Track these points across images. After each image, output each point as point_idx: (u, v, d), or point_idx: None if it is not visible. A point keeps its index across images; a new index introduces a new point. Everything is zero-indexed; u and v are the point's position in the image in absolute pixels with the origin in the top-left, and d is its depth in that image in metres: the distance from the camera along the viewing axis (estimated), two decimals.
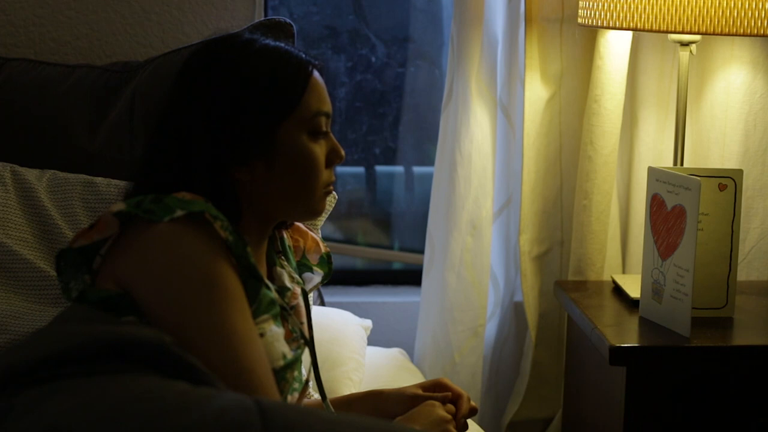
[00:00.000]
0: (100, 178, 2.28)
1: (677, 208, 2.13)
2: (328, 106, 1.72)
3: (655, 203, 2.20)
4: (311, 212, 1.74)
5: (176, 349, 1.49)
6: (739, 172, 2.24)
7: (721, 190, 2.15)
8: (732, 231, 2.23)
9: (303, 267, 1.88)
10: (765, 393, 2.18)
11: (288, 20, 2.38)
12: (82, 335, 1.50)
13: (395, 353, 2.75)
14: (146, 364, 1.47)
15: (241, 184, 1.67)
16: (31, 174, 2.28)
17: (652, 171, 2.22)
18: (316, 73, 1.71)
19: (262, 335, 1.64)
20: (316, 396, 1.95)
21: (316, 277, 1.90)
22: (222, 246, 1.60)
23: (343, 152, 1.73)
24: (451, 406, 1.80)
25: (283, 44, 1.71)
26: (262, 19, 2.65)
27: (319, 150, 1.70)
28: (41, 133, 2.41)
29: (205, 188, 1.64)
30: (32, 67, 2.49)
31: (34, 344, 1.54)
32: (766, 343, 2.20)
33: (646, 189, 2.24)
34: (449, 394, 1.83)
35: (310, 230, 1.90)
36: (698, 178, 2.10)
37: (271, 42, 1.70)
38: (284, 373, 1.68)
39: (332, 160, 1.72)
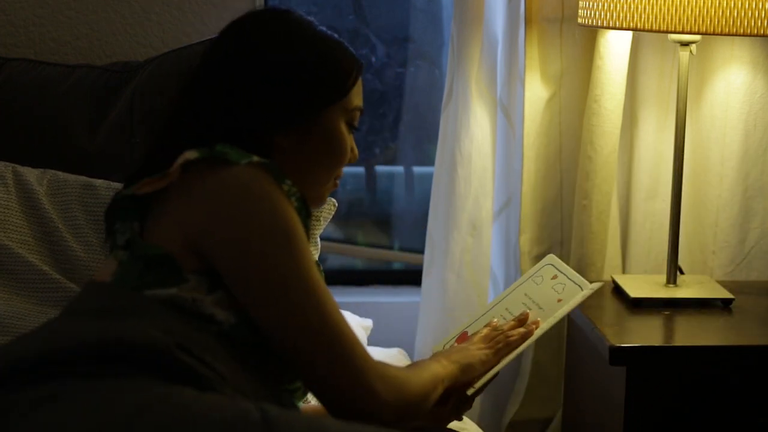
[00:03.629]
0: (100, 181, 2.28)
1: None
2: (363, 105, 1.80)
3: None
4: (317, 199, 1.77)
5: (182, 354, 1.47)
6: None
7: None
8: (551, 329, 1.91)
9: None
10: (765, 393, 2.18)
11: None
12: (87, 333, 1.48)
13: (395, 353, 2.75)
14: (152, 368, 1.46)
15: (277, 149, 1.69)
16: (32, 175, 2.28)
17: (551, 259, 2.04)
18: None
19: None
20: (314, 402, 1.95)
21: None
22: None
23: (357, 152, 1.79)
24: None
25: (336, 36, 1.77)
26: None
27: (348, 140, 1.76)
28: (41, 133, 2.41)
29: (248, 146, 1.65)
30: (32, 67, 2.49)
31: (38, 338, 1.52)
32: (766, 343, 2.20)
33: (538, 264, 2.04)
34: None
35: None
36: (562, 273, 1.97)
37: (328, 29, 1.76)
38: None
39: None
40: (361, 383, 1.57)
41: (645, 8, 2.23)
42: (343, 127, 1.74)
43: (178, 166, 1.60)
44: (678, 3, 2.21)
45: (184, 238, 1.58)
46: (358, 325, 2.63)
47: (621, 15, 2.25)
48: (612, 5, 2.26)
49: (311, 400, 2.03)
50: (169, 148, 1.66)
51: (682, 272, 2.48)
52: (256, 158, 1.60)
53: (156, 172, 1.64)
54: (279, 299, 1.56)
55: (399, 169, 3.35)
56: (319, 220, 2.29)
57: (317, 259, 1.90)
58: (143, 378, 1.44)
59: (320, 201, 1.78)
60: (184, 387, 1.43)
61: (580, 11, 2.39)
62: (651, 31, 2.24)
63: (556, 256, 2.71)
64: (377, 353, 2.71)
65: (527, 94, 2.56)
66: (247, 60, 1.69)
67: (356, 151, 1.79)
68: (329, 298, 1.59)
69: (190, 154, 1.60)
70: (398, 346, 2.84)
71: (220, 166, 1.59)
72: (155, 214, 1.63)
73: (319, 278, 1.59)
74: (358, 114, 1.77)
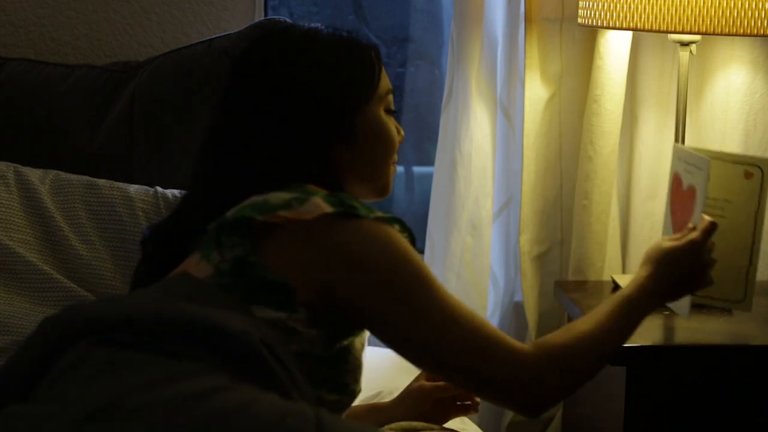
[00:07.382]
0: (102, 180, 2.28)
1: (690, 188, 2.06)
2: (391, 84, 1.81)
3: (675, 182, 2.12)
4: (383, 189, 1.81)
5: (261, 348, 1.49)
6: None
7: (746, 178, 1.99)
8: (755, 222, 2.08)
9: None
10: (765, 393, 2.18)
11: (288, 20, 2.38)
12: (172, 310, 1.51)
13: (395, 353, 2.75)
14: (224, 357, 1.47)
15: (334, 164, 1.72)
16: (34, 175, 2.28)
17: (675, 149, 2.13)
18: None
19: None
20: None
21: None
22: None
23: (403, 131, 1.82)
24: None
25: (343, 31, 1.78)
26: (262, 19, 2.65)
27: (392, 125, 1.79)
28: (41, 133, 2.41)
29: (310, 171, 1.69)
30: (32, 67, 2.49)
31: (124, 303, 1.56)
32: (766, 343, 2.20)
33: (670, 167, 2.15)
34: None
35: None
36: (717, 159, 2.00)
37: (331, 29, 1.77)
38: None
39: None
40: (525, 374, 1.66)
41: (645, 8, 2.23)
42: (384, 116, 1.76)
43: (317, 215, 1.62)
44: (678, 3, 2.21)
45: (311, 281, 1.61)
46: None
47: (621, 15, 2.25)
48: (612, 5, 2.26)
49: None
50: (230, 186, 1.68)
51: None
52: (380, 213, 1.66)
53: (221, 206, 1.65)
54: (422, 330, 1.65)
55: (399, 169, 3.35)
56: None
57: None
58: (214, 365, 1.46)
59: (387, 191, 1.82)
60: (247, 385, 1.45)
61: (580, 11, 2.39)
62: (651, 31, 2.24)
63: (556, 256, 2.72)
64: (377, 353, 2.71)
65: (527, 94, 2.55)
66: (270, 92, 1.70)
67: (402, 130, 1.82)
68: (462, 308, 1.65)
69: (326, 207, 1.62)
70: None
71: (349, 219, 1.63)
72: (273, 241, 1.62)
73: (450, 298, 1.65)
74: (391, 96, 1.79)
